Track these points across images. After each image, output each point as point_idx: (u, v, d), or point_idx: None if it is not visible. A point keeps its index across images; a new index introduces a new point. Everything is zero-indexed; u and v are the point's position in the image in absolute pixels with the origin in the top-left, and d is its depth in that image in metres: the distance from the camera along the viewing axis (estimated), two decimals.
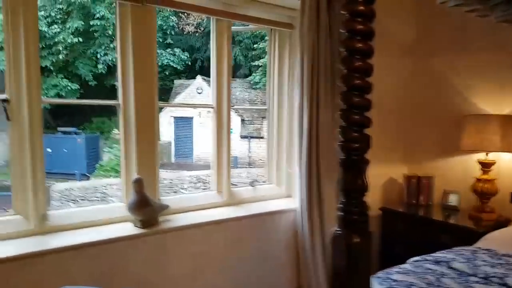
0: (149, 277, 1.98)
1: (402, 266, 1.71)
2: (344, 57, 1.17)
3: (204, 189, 10.81)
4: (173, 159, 14.86)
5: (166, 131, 13.99)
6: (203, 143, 14.79)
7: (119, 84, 2.02)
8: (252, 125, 13.90)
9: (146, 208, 1.95)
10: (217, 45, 2.32)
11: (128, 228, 1.96)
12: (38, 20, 1.79)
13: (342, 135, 1.17)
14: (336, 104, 2.32)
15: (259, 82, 14.14)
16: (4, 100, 1.73)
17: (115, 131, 13.02)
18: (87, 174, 12.37)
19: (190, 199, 2.35)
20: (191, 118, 14.61)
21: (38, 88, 1.77)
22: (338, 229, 1.16)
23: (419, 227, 2.59)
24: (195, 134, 15.01)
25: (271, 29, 2.56)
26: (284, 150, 2.62)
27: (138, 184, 1.94)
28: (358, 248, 1.11)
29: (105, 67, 12.82)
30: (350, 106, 1.13)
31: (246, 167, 12.82)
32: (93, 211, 2.04)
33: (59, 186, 8.98)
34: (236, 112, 14.13)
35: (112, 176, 12.17)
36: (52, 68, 12.04)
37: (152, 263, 1.99)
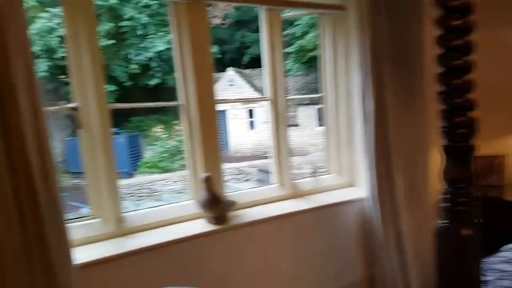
0: (226, 273, 2.01)
1: (502, 254, 1.61)
2: (441, 36, 1.10)
3: (246, 180, 10.92)
4: None
5: None
6: (237, 135, 14.93)
7: (179, 83, 2.04)
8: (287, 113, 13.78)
9: (218, 205, 1.97)
10: (269, 34, 2.28)
11: (202, 225, 1.99)
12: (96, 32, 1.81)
13: (444, 120, 1.10)
14: (403, 88, 2.22)
15: (291, 69, 13.95)
16: (74, 109, 1.78)
17: (155, 129, 13.37)
18: (131, 172, 12.83)
19: (253, 194, 2.35)
20: (224, 111, 14.74)
21: (105, 94, 1.81)
22: (443, 221, 1.10)
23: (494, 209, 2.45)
24: (229, 126, 15.15)
25: (322, 13, 2.48)
26: (344, 138, 2.56)
27: (208, 181, 1.96)
28: (469, 240, 1.05)
29: (139, 67, 13.12)
30: (452, 88, 1.06)
31: None
32: (165, 210, 2.08)
33: None
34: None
35: (155, 172, 12.58)
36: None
37: (228, 259, 2.01)
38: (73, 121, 1.81)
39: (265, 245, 2.13)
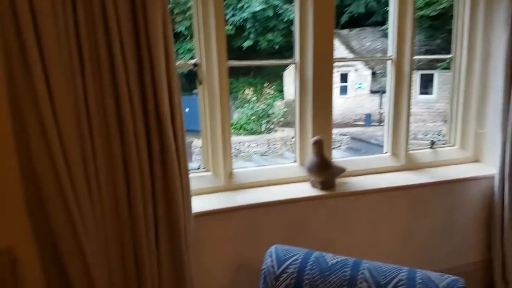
0: (331, 238, 1.97)
1: None
2: None
3: (334, 147, 10.67)
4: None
5: (291, 89, 14.05)
6: None
7: (296, 41, 1.95)
8: (385, 78, 12.89)
9: (326, 170, 1.91)
10: None
11: (308, 189, 1.96)
12: None
13: None
14: None
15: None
16: (195, 65, 1.82)
17: (246, 91, 13.65)
18: None
19: (363, 162, 2.23)
20: None
21: (225, 50, 1.80)
22: None
23: None
24: None
25: None
26: (474, 106, 2.26)
27: (318, 145, 1.89)
28: None
29: (233, 28, 13.26)
30: None
31: (376, 125, 12.16)
32: (271, 170, 2.08)
33: (197, 143, 9.90)
34: (366, 64, 13.29)
35: (242, 134, 12.99)
36: (186, 33, 13.00)
37: (332, 225, 1.97)
38: (192, 78, 1.86)
39: (374, 216, 2.04)
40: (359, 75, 13.54)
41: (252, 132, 12.73)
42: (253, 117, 12.89)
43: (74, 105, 1.30)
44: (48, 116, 1.24)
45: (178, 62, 1.81)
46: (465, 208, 2.19)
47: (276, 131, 12.60)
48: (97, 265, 1.39)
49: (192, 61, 1.82)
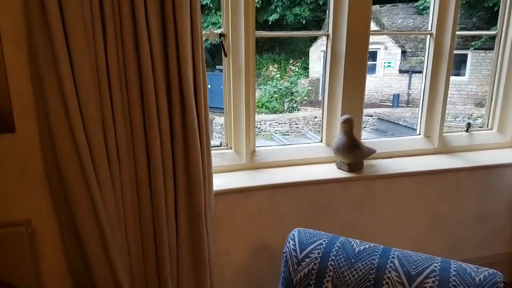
0: (354, 223, 1.91)
1: None
2: None
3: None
4: (320, 97, 14.73)
5: (316, 66, 13.71)
6: None
7: (330, 9, 1.84)
8: (415, 58, 12.39)
9: (355, 151, 1.82)
10: None
11: (334, 171, 1.88)
12: None
13: None
14: None
15: (429, 7, 12.25)
16: (221, 35, 1.74)
17: (270, 68, 13.44)
18: None
19: (394, 143, 2.12)
20: None
21: (253, 21, 1.71)
22: None
23: None
24: None
25: None
26: None
27: (348, 124, 1.80)
28: None
29: (259, 1, 12.92)
30: None
31: (404, 106, 11.79)
32: (295, 149, 2.01)
33: (219, 120, 9.92)
34: (396, 42, 12.78)
35: (264, 112, 12.87)
36: (211, 5, 12.77)
37: (357, 209, 1.90)
38: (215, 54, 1.78)
39: (402, 201, 1.95)
40: (389, 53, 13.06)
41: (274, 111, 12.59)
42: (275, 95, 12.72)
43: (95, 74, 1.26)
44: (68, 83, 1.20)
45: (204, 32, 1.75)
46: (498, 196, 2.08)
47: (299, 110, 12.42)
48: (114, 241, 1.37)
49: (219, 31, 1.74)
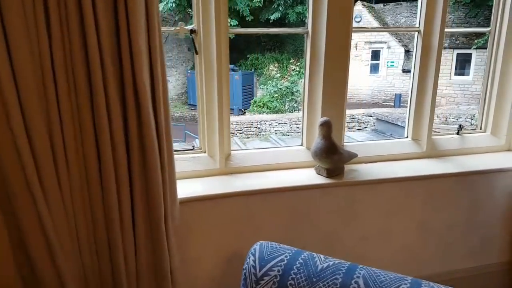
0: (333, 231, 1.80)
1: None
2: None
3: (359, 129, 10.31)
4: None
5: None
6: (356, 79, 13.93)
7: (309, 8, 1.73)
8: None
9: (334, 155, 1.71)
10: None
11: (312, 176, 1.77)
12: None
13: None
14: None
15: None
16: (193, 31, 1.64)
17: (270, 67, 13.35)
18: (243, 110, 13.25)
19: (380, 147, 2.01)
20: None
21: (226, 17, 1.61)
22: None
23: None
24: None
25: None
26: (510, 88, 1.98)
27: (326, 127, 1.69)
28: None
29: (261, 0, 12.83)
30: None
31: (406, 106, 11.62)
32: (273, 153, 1.90)
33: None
34: (400, 41, 12.62)
35: (265, 112, 12.76)
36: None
37: (338, 216, 1.79)
38: (191, 46, 1.68)
39: (386, 208, 1.83)
40: (392, 53, 12.90)
41: (276, 111, 12.50)
42: (276, 95, 12.62)
43: (38, 72, 1.15)
44: (6, 80, 1.10)
45: (174, 28, 1.65)
46: (491, 203, 1.96)
47: (299, 110, 12.32)
48: (63, 250, 1.27)
49: (190, 27, 1.64)
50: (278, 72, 13.26)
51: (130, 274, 1.37)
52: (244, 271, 1.13)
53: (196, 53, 1.66)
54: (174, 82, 14.56)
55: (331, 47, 1.72)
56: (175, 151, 1.68)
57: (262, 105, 12.87)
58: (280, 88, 12.48)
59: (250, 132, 10.96)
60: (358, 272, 1.02)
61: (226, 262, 1.69)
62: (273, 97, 12.89)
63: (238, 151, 1.85)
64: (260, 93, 13.84)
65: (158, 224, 1.35)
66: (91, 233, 1.32)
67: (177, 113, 13.26)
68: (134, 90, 1.24)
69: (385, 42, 12.96)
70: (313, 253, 1.12)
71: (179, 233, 1.53)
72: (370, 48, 13.34)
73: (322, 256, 1.10)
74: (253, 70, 14.46)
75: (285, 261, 1.09)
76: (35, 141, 1.17)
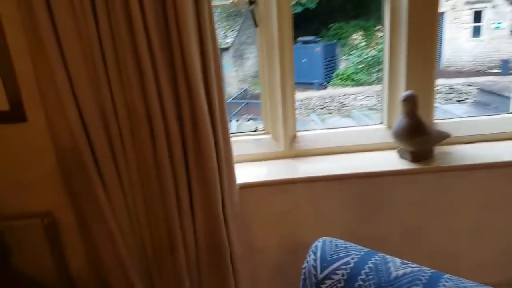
0: (417, 227, 1.58)
1: None
2: None
3: (459, 100, 9.27)
4: None
5: None
6: (454, 44, 12.46)
7: None
8: None
9: (420, 136, 1.47)
10: None
11: (393, 160, 1.56)
12: None
13: None
14: None
15: None
16: (252, 2, 1.52)
17: (355, 36, 12.64)
18: (324, 84, 12.81)
19: (477, 124, 1.70)
20: (442, 13, 12.34)
21: None
22: None
23: None
24: (445, 33, 12.77)
25: None
26: None
27: (410, 102, 1.45)
28: None
29: None
30: None
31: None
32: (346, 134, 1.72)
33: (299, 96, 9.62)
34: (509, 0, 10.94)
35: (349, 85, 12.17)
36: None
37: (423, 208, 1.56)
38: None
39: (482, 200, 1.56)
40: (498, 13, 11.26)
41: (361, 83, 11.86)
42: (361, 66, 11.94)
43: (88, 58, 1.14)
44: (58, 69, 1.11)
45: (230, 1, 1.54)
46: None
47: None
48: (125, 242, 1.30)
49: None
50: (364, 40, 12.47)
51: (190, 263, 1.35)
52: (304, 270, 1.02)
53: (256, 26, 1.54)
54: (253, 59, 14.61)
55: (415, 5, 1.47)
56: (236, 133, 1.62)
57: (345, 77, 12.31)
58: (366, 58, 11.76)
59: (333, 108, 10.58)
60: (442, 282, 0.84)
61: (289, 252, 1.59)
62: (357, 68, 12.24)
63: (306, 132, 1.70)
64: (343, 65, 13.23)
65: (216, 210, 1.30)
66: (151, 224, 1.32)
67: (258, 90, 13.34)
68: (185, 72, 1.16)
69: (489, 1, 11.35)
70: (387, 256, 0.96)
71: (240, 220, 1.46)
72: (470, 9, 11.77)
73: (397, 261, 0.94)
74: (336, 41, 13.81)
75: (352, 264, 0.95)
76: (89, 127, 1.17)
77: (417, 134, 1.47)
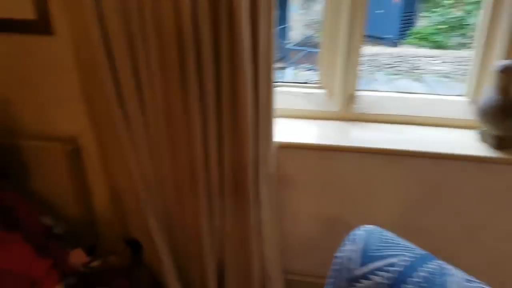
0: (484, 226, 1.35)
1: None
2: None
3: None
4: None
5: None
6: None
7: None
8: None
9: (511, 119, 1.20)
10: None
11: (471, 143, 1.31)
12: None
13: None
14: None
15: None
16: None
17: None
18: (397, 41, 11.88)
19: None
20: None
21: None
22: None
23: None
24: None
25: None
26: None
27: (510, 76, 1.17)
28: None
29: None
30: None
31: None
32: (417, 101, 1.47)
33: (365, 50, 8.98)
34: None
35: (425, 46, 11.22)
36: None
37: (494, 205, 1.33)
38: None
39: None
40: None
41: (439, 46, 10.86)
42: (442, 27, 10.84)
43: None
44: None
45: None
46: None
47: (469, 48, 10.44)
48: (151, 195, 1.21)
49: None
50: None
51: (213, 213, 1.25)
52: (338, 260, 0.86)
53: None
54: (323, 3, 13.79)
55: None
56: (285, 82, 1.43)
57: (422, 37, 11.31)
58: (448, 18, 10.63)
59: (403, 68, 9.87)
60: None
61: (325, 225, 1.44)
62: (437, 28, 11.14)
63: (367, 93, 1.47)
64: (421, 23, 12.12)
65: (245, 168, 1.15)
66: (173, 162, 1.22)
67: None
68: (228, 9, 0.98)
69: None
70: (448, 267, 0.77)
71: (276, 182, 1.32)
72: None
73: (461, 276, 0.75)
74: None
75: (399, 268, 0.77)
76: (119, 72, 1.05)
77: (508, 115, 1.20)
